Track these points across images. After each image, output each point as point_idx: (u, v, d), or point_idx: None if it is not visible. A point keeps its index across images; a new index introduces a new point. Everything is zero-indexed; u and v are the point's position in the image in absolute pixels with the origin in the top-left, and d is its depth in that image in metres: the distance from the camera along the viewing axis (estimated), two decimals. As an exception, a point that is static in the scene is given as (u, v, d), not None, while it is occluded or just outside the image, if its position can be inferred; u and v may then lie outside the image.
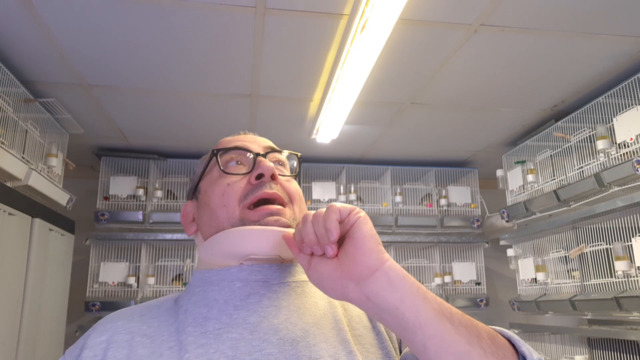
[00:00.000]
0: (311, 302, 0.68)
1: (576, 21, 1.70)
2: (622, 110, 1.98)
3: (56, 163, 2.37)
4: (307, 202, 3.09)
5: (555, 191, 2.30)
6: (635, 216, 1.93)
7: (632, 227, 1.95)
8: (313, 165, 3.19)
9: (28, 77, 2.08)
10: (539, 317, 2.61)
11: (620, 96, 2.04)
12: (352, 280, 0.56)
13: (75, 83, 2.14)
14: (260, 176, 0.70)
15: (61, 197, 2.42)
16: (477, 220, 3.17)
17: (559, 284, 2.39)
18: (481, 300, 3.07)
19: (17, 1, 1.56)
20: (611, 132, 2.03)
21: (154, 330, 0.65)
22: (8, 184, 1.97)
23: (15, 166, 1.95)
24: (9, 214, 1.92)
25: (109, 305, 2.77)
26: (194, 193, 0.78)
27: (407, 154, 3.16)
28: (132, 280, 2.85)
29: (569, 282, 2.32)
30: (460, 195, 3.23)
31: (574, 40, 1.82)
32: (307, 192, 3.12)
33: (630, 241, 1.92)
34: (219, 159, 0.73)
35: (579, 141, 2.24)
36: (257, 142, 0.77)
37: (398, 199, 3.15)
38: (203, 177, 0.76)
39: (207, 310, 0.65)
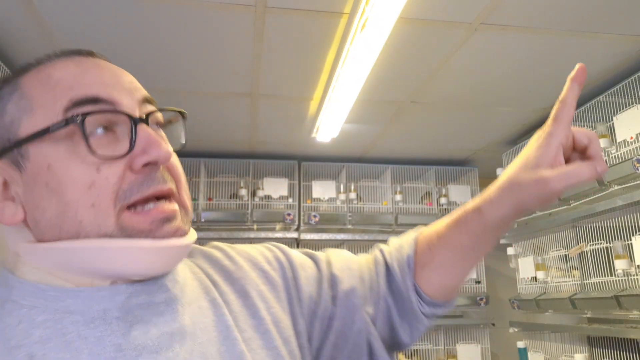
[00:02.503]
0: (196, 309, 0.53)
1: (576, 20, 1.70)
2: (622, 109, 1.98)
3: (56, 162, 2.37)
4: (308, 201, 3.10)
5: (555, 190, 2.30)
6: (635, 215, 1.93)
7: (632, 226, 1.95)
8: (313, 163, 3.20)
9: (28, 76, 2.08)
10: (539, 315, 2.62)
11: (621, 95, 2.04)
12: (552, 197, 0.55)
13: (75, 82, 2.14)
14: (149, 164, 0.48)
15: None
16: (477, 219, 3.17)
17: (559, 282, 2.39)
18: (481, 299, 3.07)
19: (17, 0, 1.56)
20: (611, 131, 2.03)
21: None
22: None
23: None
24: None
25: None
26: (6, 151, 0.48)
27: (407, 152, 3.16)
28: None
29: (569, 281, 2.32)
30: (460, 194, 3.23)
31: (574, 39, 1.82)
32: (307, 191, 3.13)
33: (630, 240, 1.92)
34: (84, 127, 0.46)
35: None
36: (123, 88, 0.52)
37: (398, 197, 3.15)
38: (39, 137, 0.47)
39: (72, 356, 0.44)
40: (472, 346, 3.03)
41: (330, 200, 3.11)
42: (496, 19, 1.69)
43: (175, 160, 0.52)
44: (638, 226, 1.92)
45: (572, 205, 2.27)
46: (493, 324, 3.11)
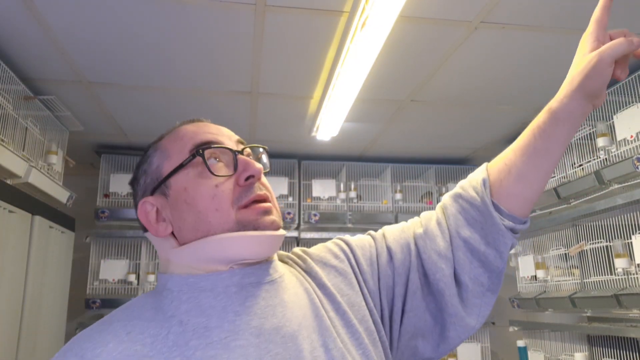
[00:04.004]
0: (293, 293, 0.70)
1: (576, 18, 1.69)
2: (623, 107, 1.98)
3: (56, 160, 2.37)
4: (308, 200, 3.10)
5: (555, 188, 2.30)
6: (635, 214, 1.93)
7: (632, 225, 1.95)
8: (313, 162, 3.19)
9: (28, 74, 2.08)
10: (539, 314, 2.62)
11: (621, 93, 2.04)
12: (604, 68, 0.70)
13: (75, 80, 2.14)
14: (249, 177, 0.69)
15: (61, 194, 2.42)
16: (477, 218, 3.17)
17: (559, 281, 2.39)
18: None
19: (17, 0, 1.56)
20: (611, 130, 2.03)
21: (149, 349, 0.60)
22: (8, 182, 1.97)
23: (15, 164, 1.95)
24: (9, 211, 1.92)
25: (109, 303, 2.78)
26: (156, 188, 0.71)
27: (407, 151, 3.16)
28: (132, 278, 2.86)
29: (569, 280, 2.32)
30: (460, 192, 3.23)
31: (574, 37, 1.81)
32: (307, 190, 3.12)
33: (630, 239, 1.92)
34: (205, 157, 0.68)
35: (579, 138, 2.24)
36: (224, 134, 0.75)
37: (398, 196, 3.15)
38: (176, 172, 0.69)
39: (207, 319, 0.63)
40: (472, 345, 3.03)
41: (330, 199, 3.11)
42: (496, 17, 1.69)
43: (264, 179, 0.73)
44: (638, 225, 1.92)
45: (572, 204, 2.27)
46: (493, 323, 3.11)
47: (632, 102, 1.94)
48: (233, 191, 0.68)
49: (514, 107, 2.46)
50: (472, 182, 0.79)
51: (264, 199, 0.70)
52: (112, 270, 2.87)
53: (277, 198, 3.17)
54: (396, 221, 3.07)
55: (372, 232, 0.84)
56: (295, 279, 0.73)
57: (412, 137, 2.91)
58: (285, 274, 0.73)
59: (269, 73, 2.08)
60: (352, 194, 3.12)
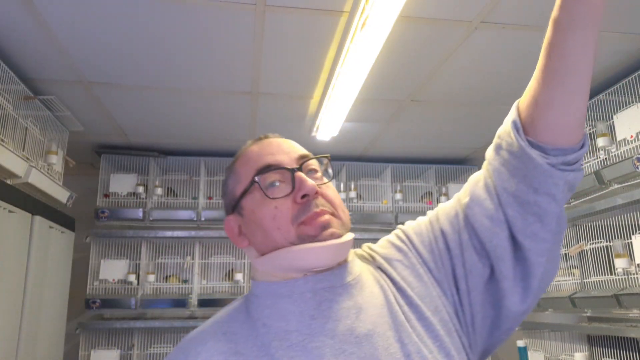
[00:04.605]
0: (368, 293, 0.74)
1: (577, 18, 1.69)
2: (623, 107, 1.98)
3: (56, 160, 2.37)
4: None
5: (555, 189, 2.29)
6: (635, 213, 1.93)
7: (632, 225, 1.95)
8: (313, 162, 3.19)
9: (28, 74, 2.08)
10: (539, 314, 2.62)
11: (621, 93, 2.04)
12: None
13: (75, 80, 2.13)
14: (304, 196, 0.74)
15: (61, 194, 2.42)
16: (477, 218, 3.17)
17: (559, 281, 2.39)
18: None
19: (17, 0, 1.56)
20: (611, 130, 2.03)
21: (242, 347, 0.69)
22: (8, 182, 1.97)
23: (15, 164, 1.95)
24: (9, 211, 1.92)
25: (109, 303, 2.78)
26: (235, 208, 0.80)
27: (407, 151, 3.16)
28: (132, 278, 2.86)
29: (569, 280, 2.32)
30: (460, 192, 3.23)
31: (574, 37, 1.82)
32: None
33: (630, 238, 1.92)
34: (261, 186, 0.75)
35: (579, 138, 2.24)
36: (285, 152, 0.79)
37: (398, 196, 3.15)
38: (244, 196, 0.78)
39: (286, 324, 0.70)
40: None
41: (330, 198, 3.10)
42: (496, 17, 1.69)
43: (326, 189, 0.77)
44: (638, 225, 1.92)
45: (572, 204, 2.27)
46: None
47: (632, 102, 1.94)
48: (292, 209, 0.73)
49: (514, 107, 2.46)
50: (505, 127, 0.73)
51: (322, 213, 0.74)
52: (112, 270, 2.87)
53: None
54: (396, 221, 3.08)
55: (430, 212, 0.83)
56: (372, 277, 0.77)
57: (412, 137, 2.91)
58: (362, 274, 0.76)
59: (269, 73, 2.08)
60: (352, 194, 3.12)
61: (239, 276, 2.97)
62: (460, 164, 3.35)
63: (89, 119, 2.55)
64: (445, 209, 0.79)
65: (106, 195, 2.95)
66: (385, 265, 0.78)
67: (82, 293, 2.80)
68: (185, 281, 3.00)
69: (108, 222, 2.89)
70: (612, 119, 2.01)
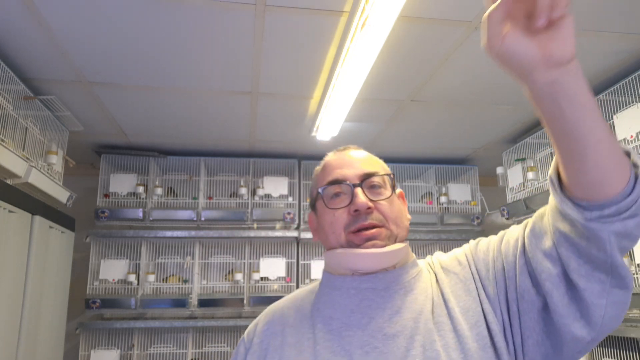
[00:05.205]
0: (411, 299, 0.83)
1: (576, 19, 1.68)
2: (623, 107, 1.98)
3: (56, 160, 2.37)
4: (308, 200, 3.09)
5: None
6: (635, 214, 1.93)
7: (632, 225, 1.95)
8: (313, 162, 3.19)
9: (28, 74, 2.08)
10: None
11: (621, 93, 2.04)
12: (546, 63, 0.60)
13: (75, 80, 2.14)
14: (356, 210, 0.86)
15: (61, 194, 2.42)
16: (477, 218, 3.17)
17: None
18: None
19: (17, 0, 1.56)
20: (611, 130, 2.03)
21: (298, 322, 0.87)
22: (8, 182, 1.97)
23: (15, 163, 1.95)
24: (9, 211, 1.92)
25: (109, 303, 2.78)
26: (313, 207, 0.96)
27: (407, 151, 3.16)
28: (132, 278, 2.86)
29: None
30: (460, 192, 3.23)
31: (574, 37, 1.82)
32: (307, 190, 3.12)
33: (630, 239, 1.92)
34: (324, 199, 0.90)
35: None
36: (354, 168, 0.90)
37: (398, 196, 3.15)
38: (316, 200, 0.94)
39: (333, 311, 0.84)
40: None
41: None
42: (496, 17, 1.68)
43: (383, 204, 0.87)
44: (638, 225, 1.92)
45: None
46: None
47: (632, 102, 1.94)
48: (346, 219, 0.87)
49: (514, 106, 2.47)
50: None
51: (369, 227, 0.85)
52: (112, 270, 2.87)
53: (277, 198, 3.11)
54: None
55: (502, 231, 0.86)
56: (423, 285, 0.86)
57: (412, 137, 2.91)
58: (413, 281, 0.86)
59: (269, 73, 2.08)
60: (352, 194, 3.11)
61: (239, 276, 2.97)
62: (460, 164, 3.35)
63: (89, 119, 2.55)
64: (513, 233, 0.82)
65: (106, 195, 2.95)
66: (441, 275, 0.87)
67: (82, 293, 2.80)
68: (185, 281, 3.00)
69: (108, 222, 2.89)
70: (612, 119, 2.01)
